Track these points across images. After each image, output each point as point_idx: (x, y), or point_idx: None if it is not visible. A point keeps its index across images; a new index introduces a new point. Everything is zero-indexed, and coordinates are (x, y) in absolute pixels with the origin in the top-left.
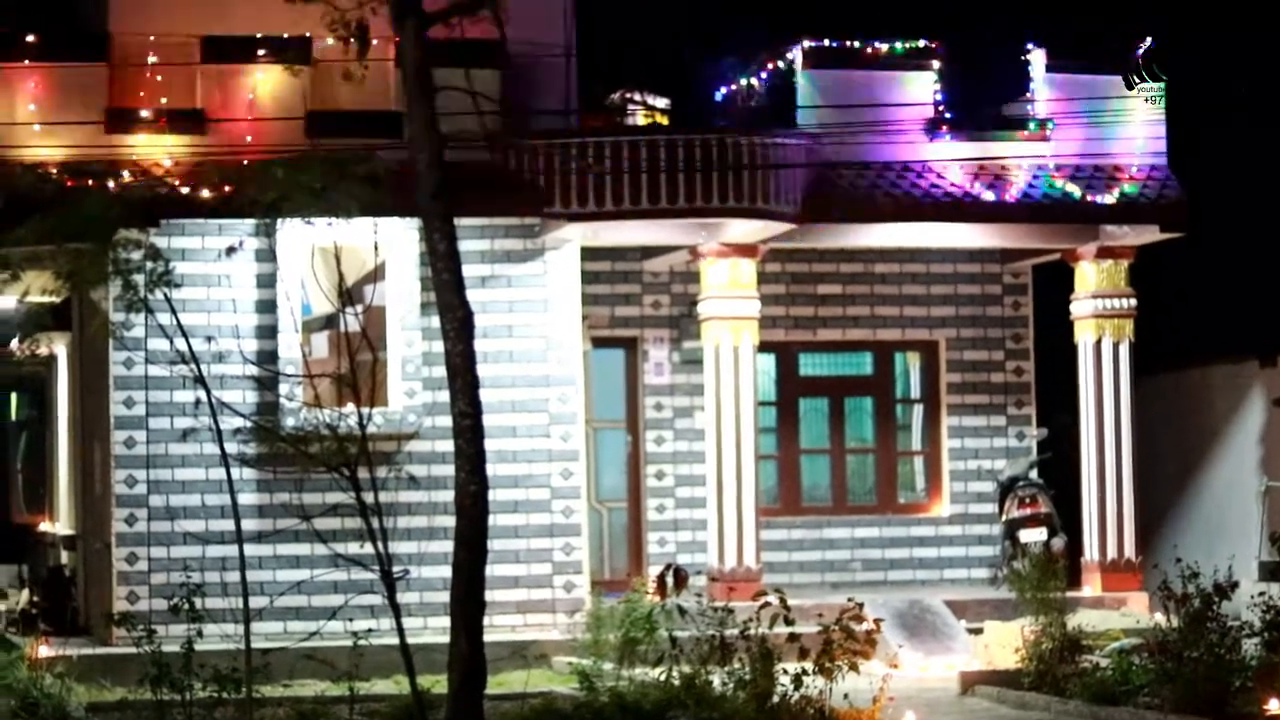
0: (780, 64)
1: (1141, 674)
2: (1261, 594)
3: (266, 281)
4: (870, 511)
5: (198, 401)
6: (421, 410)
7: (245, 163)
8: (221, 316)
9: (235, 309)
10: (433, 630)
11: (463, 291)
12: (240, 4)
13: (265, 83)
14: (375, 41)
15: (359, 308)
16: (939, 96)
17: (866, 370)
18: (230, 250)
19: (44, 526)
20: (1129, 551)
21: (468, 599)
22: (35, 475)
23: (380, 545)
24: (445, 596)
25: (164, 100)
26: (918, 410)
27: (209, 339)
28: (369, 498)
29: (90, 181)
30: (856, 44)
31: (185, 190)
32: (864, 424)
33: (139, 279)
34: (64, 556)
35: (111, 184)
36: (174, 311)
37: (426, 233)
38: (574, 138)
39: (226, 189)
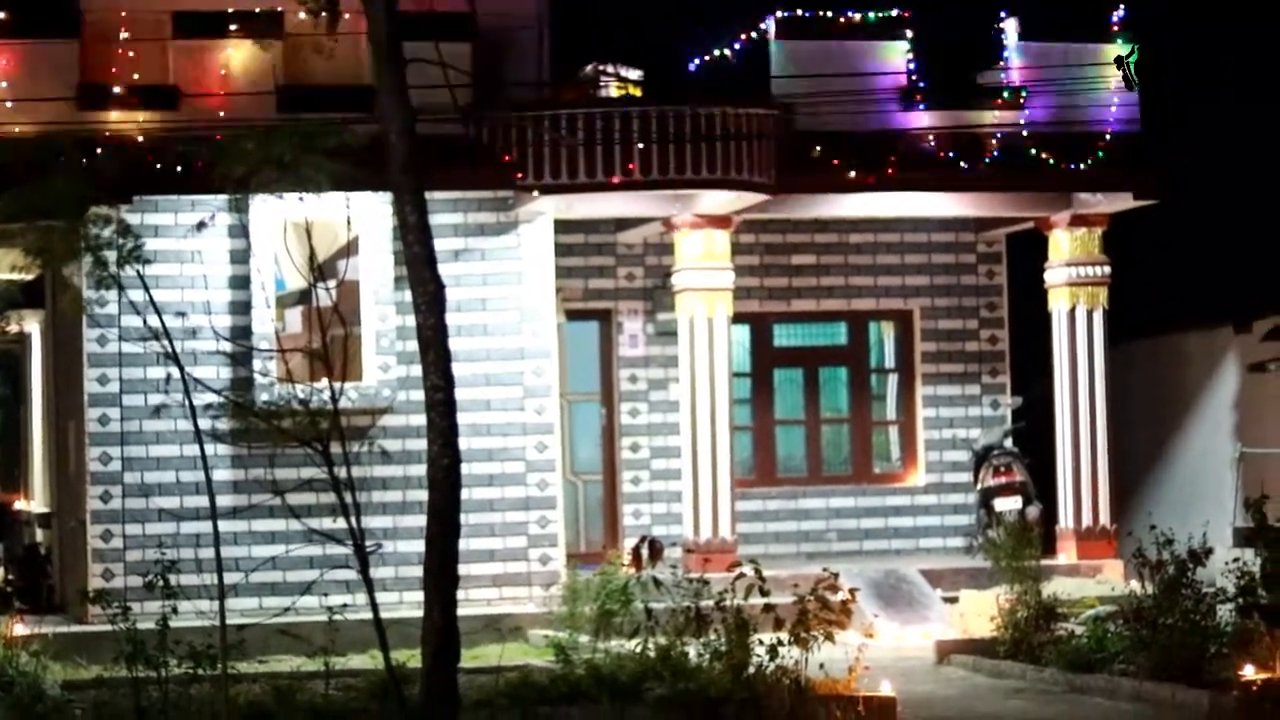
0: (753, 34)
1: (1117, 641)
2: (1236, 560)
3: (240, 257)
4: (845, 481)
5: (168, 377)
6: (396, 385)
7: (217, 138)
8: (195, 292)
9: (208, 285)
10: (408, 605)
11: (434, 265)
12: None
13: (237, 57)
14: (347, 15)
15: (332, 283)
16: (912, 66)
17: (841, 340)
18: (200, 225)
19: (19, 504)
20: (1104, 519)
21: (441, 572)
22: (9, 453)
23: (353, 520)
24: (420, 571)
25: (136, 76)
26: (892, 380)
27: (181, 315)
28: (342, 472)
29: (62, 158)
30: (829, 14)
31: (158, 166)
32: (839, 394)
33: (110, 255)
34: (39, 534)
35: (84, 160)
36: (147, 288)
37: (397, 205)
38: (547, 110)
39: (198, 164)
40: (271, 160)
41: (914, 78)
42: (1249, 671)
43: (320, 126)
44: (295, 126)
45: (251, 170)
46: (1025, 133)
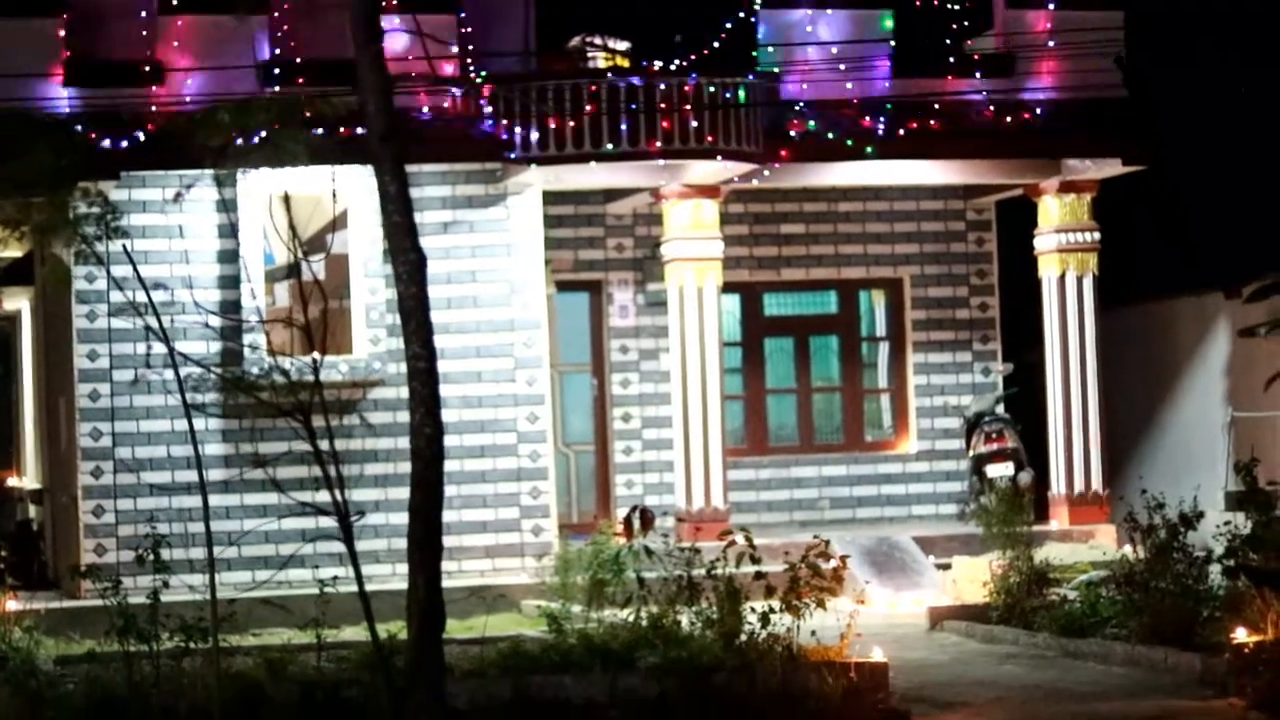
0: (740, 3)
1: (1109, 605)
2: (1227, 523)
3: (228, 232)
4: (837, 450)
5: (149, 350)
6: (386, 357)
7: (198, 112)
8: (184, 267)
9: (196, 259)
10: (400, 577)
11: (415, 234)
12: None
13: (223, 31)
14: None
15: (319, 255)
16: (899, 33)
17: (831, 309)
18: (177, 196)
19: (11, 481)
20: (1096, 485)
21: (425, 543)
22: (1, 430)
23: (336, 491)
24: None
25: (122, 51)
26: (883, 348)
27: (167, 289)
28: (325, 444)
29: (48, 134)
30: None
31: (144, 141)
32: (830, 363)
33: (91, 231)
34: (31, 511)
35: (69, 136)
36: (134, 263)
37: (377, 176)
38: (534, 81)
39: (182, 139)
40: (249, 132)
41: (901, 45)
42: (1240, 634)
43: (298, 99)
44: (273, 98)
45: (229, 142)
46: (1014, 99)
